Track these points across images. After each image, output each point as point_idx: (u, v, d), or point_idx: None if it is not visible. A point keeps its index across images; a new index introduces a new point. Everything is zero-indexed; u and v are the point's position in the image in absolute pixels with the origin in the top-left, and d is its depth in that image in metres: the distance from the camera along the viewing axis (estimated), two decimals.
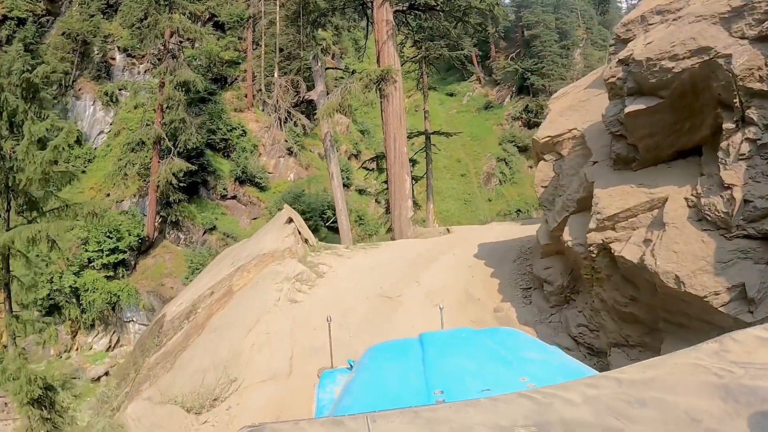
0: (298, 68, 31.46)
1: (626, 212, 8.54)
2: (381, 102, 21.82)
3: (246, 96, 41.14)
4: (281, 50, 34.72)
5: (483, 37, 59.09)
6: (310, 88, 22.68)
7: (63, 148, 11.31)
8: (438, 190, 46.19)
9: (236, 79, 42.00)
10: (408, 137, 26.22)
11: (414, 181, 27.11)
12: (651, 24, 9.04)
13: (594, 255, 9.21)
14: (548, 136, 12.60)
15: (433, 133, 34.05)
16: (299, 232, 15.56)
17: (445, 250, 16.72)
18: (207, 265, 19.78)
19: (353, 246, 18.74)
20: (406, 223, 21.27)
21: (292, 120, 21.57)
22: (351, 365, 4.27)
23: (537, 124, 55.81)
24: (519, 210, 46.61)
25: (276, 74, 22.03)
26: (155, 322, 13.92)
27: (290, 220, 15.83)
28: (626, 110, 8.26)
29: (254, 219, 35.62)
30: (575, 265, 10.82)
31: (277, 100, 20.52)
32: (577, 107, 12.74)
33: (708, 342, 1.93)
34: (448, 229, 24.03)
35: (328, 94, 21.65)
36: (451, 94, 61.44)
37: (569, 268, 11.55)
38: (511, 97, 58.33)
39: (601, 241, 8.89)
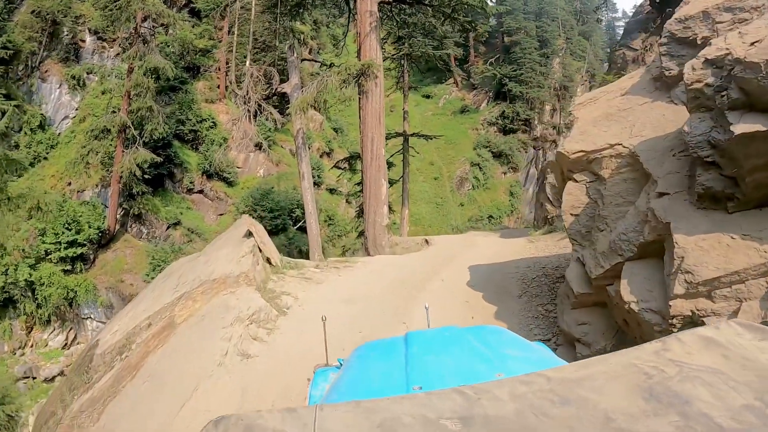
0: (272, 60, 30.44)
1: (731, 276, 6.33)
2: (359, 99, 20.46)
3: (218, 87, 39.91)
4: (256, 39, 33.59)
5: (465, 39, 58.98)
6: (284, 81, 21.65)
7: (4, 134, 10.24)
8: (410, 192, 45.61)
9: (209, 68, 40.72)
10: (385, 138, 25.47)
11: (389, 185, 26.37)
12: (720, 22, 7.70)
13: (676, 329, 6.73)
14: (581, 152, 10.16)
15: (412, 135, 32.98)
16: (260, 250, 13.30)
17: (430, 274, 14.89)
18: (154, 280, 16.73)
19: (324, 263, 16.58)
20: (381, 231, 20.16)
21: (263, 114, 20.49)
22: (341, 364, 4.38)
23: (513, 131, 56.75)
24: (491, 216, 46.33)
25: (248, 63, 20.89)
26: (86, 353, 11.38)
27: (249, 234, 13.43)
28: (736, 130, 6.06)
29: (221, 215, 34.50)
30: (635, 332, 8.28)
31: (248, 91, 19.43)
32: (616, 117, 10.48)
33: (653, 342, 1.91)
34: (426, 240, 23.26)
35: (302, 87, 20.57)
36: (428, 96, 60.96)
37: (616, 328, 9.18)
38: (488, 102, 58.10)
39: (691, 313, 6.71)
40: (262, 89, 20.75)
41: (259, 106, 19.92)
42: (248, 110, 19.31)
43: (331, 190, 40.96)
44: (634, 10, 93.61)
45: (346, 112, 52.93)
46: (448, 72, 62.36)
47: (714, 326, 1.92)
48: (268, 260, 13.59)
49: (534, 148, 55.96)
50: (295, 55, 21.19)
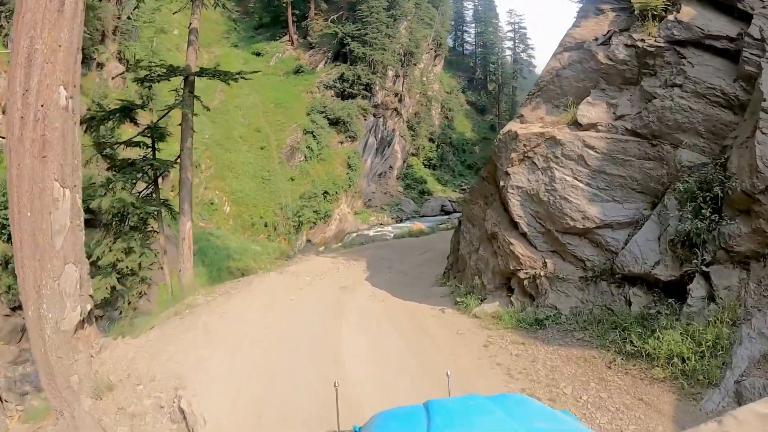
0: None
1: None
2: None
3: None
4: None
5: None
6: None
7: None
8: (231, 164, 38.95)
9: None
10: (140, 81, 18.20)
11: (161, 173, 18.84)
12: None
13: None
14: None
15: (200, 74, 18.26)
16: None
17: None
18: None
19: None
20: (65, 348, 8.59)
21: None
22: (357, 431, 4.05)
23: (352, 96, 51.60)
24: (326, 192, 41.04)
25: None
26: None
27: None
28: None
29: None
30: None
31: None
32: None
33: (709, 421, 1.91)
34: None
35: None
36: (258, 54, 53.77)
37: None
38: (326, 63, 52.41)
39: None
40: None
41: None
42: None
43: None
44: None
45: None
46: (283, 29, 55.81)
47: (765, 400, 1.87)
48: None
49: (374, 116, 51.42)
50: None
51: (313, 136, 43.67)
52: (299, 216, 38.11)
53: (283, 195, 38.71)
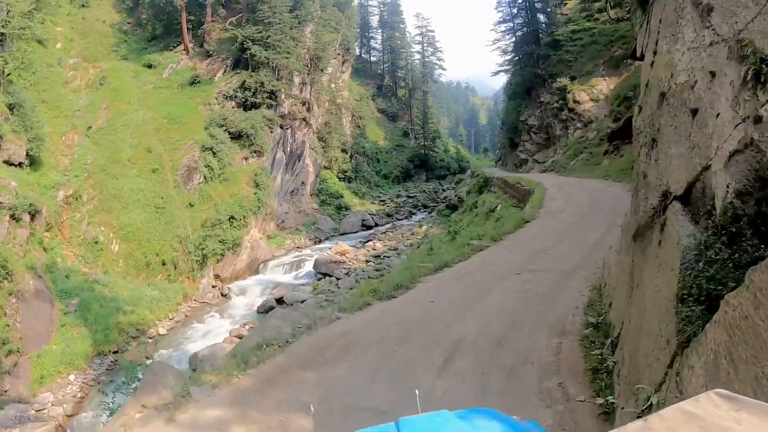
0: None
1: None
2: None
3: None
4: None
5: None
6: None
7: None
8: (119, 193, 33.04)
9: None
10: None
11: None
12: None
13: None
14: None
15: None
16: None
17: None
18: None
19: None
20: None
21: None
22: None
23: (256, 106, 45.93)
24: (232, 217, 35.81)
25: None
26: None
27: None
28: None
29: None
30: None
31: None
32: None
33: (635, 421, 1.82)
34: None
35: None
36: (150, 66, 47.54)
37: None
38: (225, 71, 47.02)
39: None
40: None
41: None
42: None
43: None
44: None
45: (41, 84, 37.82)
46: (178, 38, 49.91)
47: (695, 399, 1.81)
48: None
49: (282, 128, 46.63)
50: None
51: (213, 153, 38.15)
52: (202, 249, 32.60)
53: (181, 225, 33.08)
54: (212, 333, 26.23)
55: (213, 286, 32.86)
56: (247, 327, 26.20)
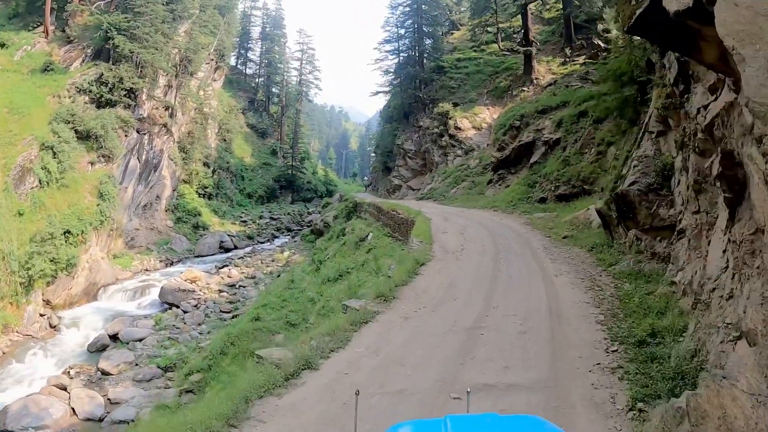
0: None
1: None
2: None
3: None
4: None
5: None
6: None
7: None
8: None
9: None
10: None
11: None
12: None
13: None
14: None
15: None
16: None
17: None
18: None
19: None
20: None
21: None
22: None
23: (112, 104, 40.20)
24: (68, 231, 30.79)
25: None
26: None
27: None
28: None
29: None
30: None
31: None
32: None
33: None
34: None
35: None
36: (2, 45, 40.33)
37: None
38: (84, 60, 41.39)
39: None
40: None
41: None
42: None
43: None
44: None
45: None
46: (40, 17, 43.17)
47: None
48: None
49: (138, 132, 41.91)
50: None
51: (54, 154, 32.63)
52: (29, 268, 27.29)
53: (6, 238, 27.51)
54: (30, 377, 21.60)
55: (41, 315, 27.62)
56: (72, 371, 22.07)
